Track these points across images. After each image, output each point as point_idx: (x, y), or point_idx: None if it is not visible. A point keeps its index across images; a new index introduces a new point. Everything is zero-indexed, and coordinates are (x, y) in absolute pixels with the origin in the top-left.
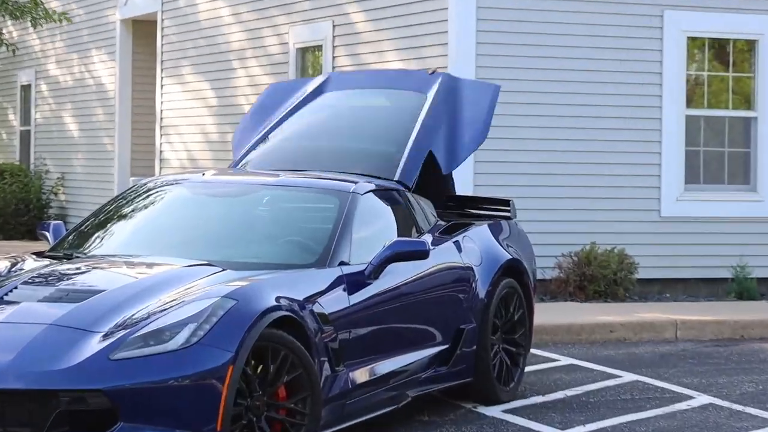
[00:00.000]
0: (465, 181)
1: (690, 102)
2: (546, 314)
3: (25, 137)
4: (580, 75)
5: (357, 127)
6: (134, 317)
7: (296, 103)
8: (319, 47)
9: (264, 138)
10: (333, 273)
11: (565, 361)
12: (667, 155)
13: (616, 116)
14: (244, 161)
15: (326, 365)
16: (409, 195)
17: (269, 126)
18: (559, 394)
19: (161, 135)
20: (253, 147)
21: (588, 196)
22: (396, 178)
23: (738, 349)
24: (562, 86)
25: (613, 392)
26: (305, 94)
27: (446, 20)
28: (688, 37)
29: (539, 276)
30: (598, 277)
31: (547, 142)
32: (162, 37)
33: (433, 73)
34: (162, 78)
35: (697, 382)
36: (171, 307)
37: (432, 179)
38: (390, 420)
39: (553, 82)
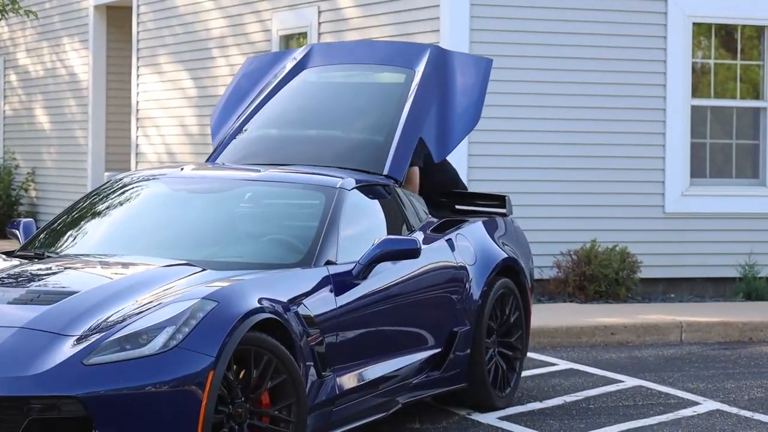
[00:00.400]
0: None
1: (695, 91)
2: (544, 316)
3: None
4: (581, 63)
5: (342, 111)
6: (109, 320)
7: (276, 82)
8: (304, 34)
9: (243, 125)
10: (319, 273)
11: (564, 365)
12: (672, 148)
13: (618, 107)
14: (223, 153)
15: (312, 370)
16: (398, 190)
17: (249, 111)
18: (557, 400)
19: (137, 128)
20: (233, 136)
21: (588, 192)
22: (385, 172)
23: (746, 352)
24: (561, 75)
25: (614, 398)
26: (285, 71)
27: (438, 5)
28: (694, 23)
29: (537, 276)
30: (599, 276)
31: (545, 134)
32: (138, 24)
33: None
34: (138, 67)
35: (703, 387)
36: (148, 309)
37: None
38: (379, 428)
39: (552, 71)
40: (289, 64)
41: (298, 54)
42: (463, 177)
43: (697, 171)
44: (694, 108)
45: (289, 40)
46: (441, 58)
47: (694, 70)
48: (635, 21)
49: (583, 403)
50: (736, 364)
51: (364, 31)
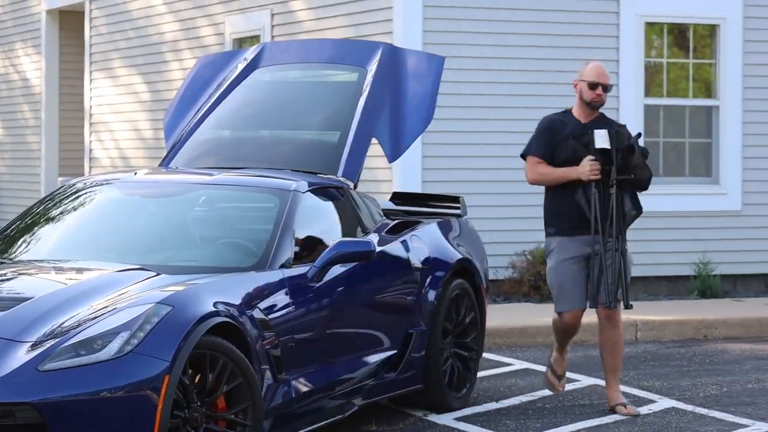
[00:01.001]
0: (413, 177)
1: (648, 90)
2: (499, 316)
3: None
4: (533, 63)
5: (295, 111)
6: (64, 326)
7: (229, 82)
8: (257, 37)
9: (196, 127)
10: (274, 276)
11: (519, 365)
12: None
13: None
14: (177, 156)
15: (268, 373)
16: (352, 192)
17: (201, 112)
18: (513, 400)
19: (91, 132)
20: (186, 138)
21: (542, 191)
22: (339, 174)
23: (701, 350)
24: (514, 75)
25: (570, 397)
26: (237, 71)
27: (391, 7)
28: (646, 23)
29: (492, 276)
30: None
31: (498, 134)
32: (90, 28)
33: None
34: (91, 72)
35: (658, 385)
36: (103, 314)
37: None
38: (336, 430)
39: (505, 71)
40: (240, 64)
41: (250, 54)
42: (417, 178)
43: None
44: (647, 107)
45: (242, 43)
46: (393, 56)
47: (646, 69)
48: (588, 21)
49: (539, 402)
50: (691, 361)
51: (317, 33)
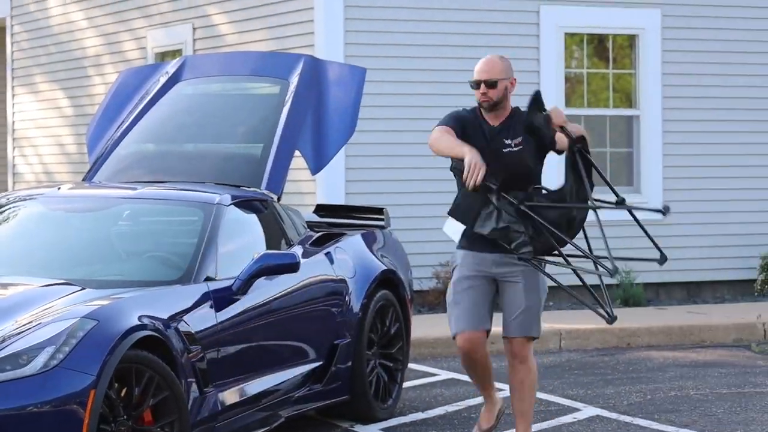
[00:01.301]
0: (336, 189)
1: (569, 101)
2: (424, 327)
3: None
4: (456, 75)
5: (218, 124)
6: None
7: (151, 95)
8: (179, 51)
9: (119, 141)
10: (199, 289)
11: (445, 375)
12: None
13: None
14: (100, 170)
15: (194, 386)
16: (276, 205)
17: (124, 126)
18: (439, 410)
19: (14, 147)
20: (109, 152)
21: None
22: (263, 187)
23: (624, 358)
24: (437, 87)
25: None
26: (159, 85)
27: (312, 21)
28: (566, 33)
29: (416, 287)
30: None
31: (421, 146)
32: (12, 44)
33: None
34: (13, 87)
35: (583, 394)
36: (27, 329)
37: None
38: None
39: (428, 83)
40: (162, 78)
41: (172, 67)
42: (341, 190)
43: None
44: (568, 117)
45: (165, 57)
46: (315, 68)
47: (567, 79)
48: (508, 32)
49: (465, 412)
50: (615, 369)
51: (239, 47)
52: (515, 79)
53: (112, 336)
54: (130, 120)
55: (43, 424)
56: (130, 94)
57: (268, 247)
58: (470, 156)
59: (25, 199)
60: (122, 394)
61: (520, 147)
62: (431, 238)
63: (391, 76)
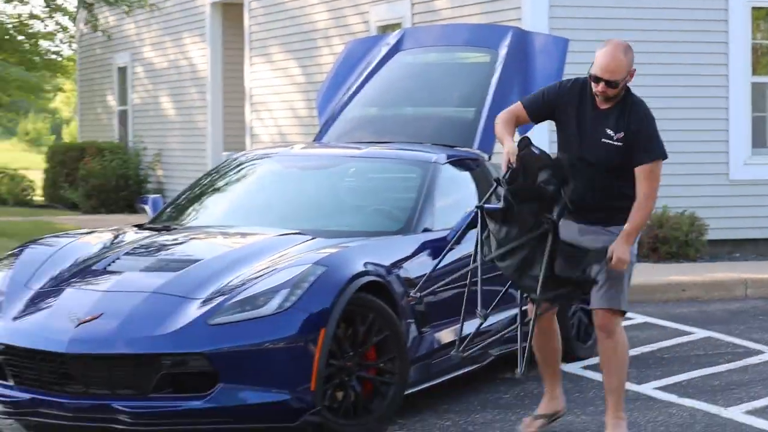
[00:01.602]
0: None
1: (755, 70)
2: None
3: (122, 117)
4: (656, 46)
5: (434, 90)
6: (230, 284)
7: (374, 64)
8: (399, 25)
9: (346, 105)
10: (417, 239)
11: (640, 319)
12: (734, 121)
13: (686, 84)
14: (329, 132)
15: (413, 327)
16: (487, 163)
17: (350, 92)
18: (634, 351)
19: (251, 112)
20: (337, 116)
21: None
22: (475, 147)
23: None
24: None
25: (686, 348)
26: (381, 54)
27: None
28: (753, 7)
29: None
30: (670, 239)
31: None
32: (250, 18)
33: None
34: (251, 58)
35: (767, 338)
36: (265, 274)
37: None
38: (473, 379)
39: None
40: (384, 48)
41: (392, 38)
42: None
43: (757, 141)
44: (754, 84)
45: (386, 30)
46: (522, 39)
47: (753, 50)
48: (701, 6)
49: (658, 353)
50: None
51: (453, 20)
52: (634, 70)
53: (339, 281)
54: (355, 86)
55: (278, 359)
56: (355, 63)
57: (479, 202)
58: (504, 152)
59: (261, 158)
60: (348, 334)
61: (620, 144)
62: None
63: (593, 47)
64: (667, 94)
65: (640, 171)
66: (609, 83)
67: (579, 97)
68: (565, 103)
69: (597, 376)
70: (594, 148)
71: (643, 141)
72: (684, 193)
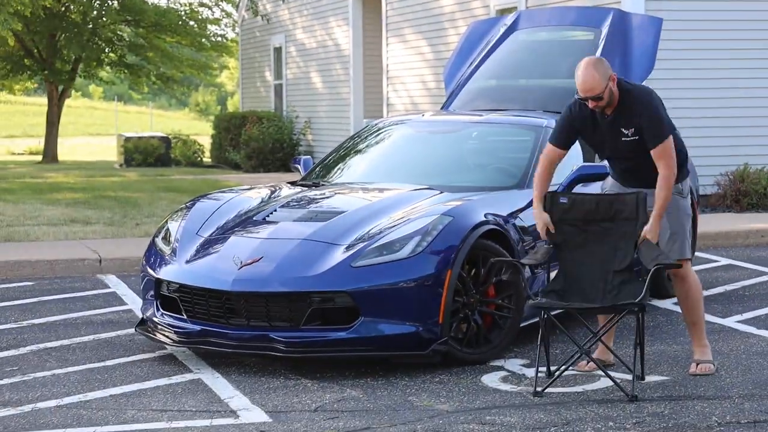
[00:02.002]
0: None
1: None
2: (707, 224)
3: (278, 90)
4: (739, 15)
5: (545, 64)
6: (370, 232)
7: (493, 42)
8: (515, 8)
9: (469, 78)
10: (530, 193)
11: (724, 261)
12: None
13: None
14: (454, 101)
15: (527, 268)
16: None
17: (472, 66)
18: (720, 289)
19: (388, 84)
20: (461, 87)
21: (741, 125)
22: None
23: None
24: (719, 24)
25: (765, 287)
26: (499, 34)
27: None
28: None
29: (701, 192)
30: (751, 192)
31: (707, 81)
32: (386, 4)
33: None
34: (387, 38)
35: None
36: (399, 223)
37: None
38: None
39: (714, 21)
40: (502, 28)
41: (509, 20)
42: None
43: None
44: None
45: (504, 12)
46: (621, 19)
47: None
48: None
49: (740, 291)
50: None
51: (561, 4)
52: (614, 75)
53: (464, 229)
54: (477, 61)
55: (411, 296)
56: (477, 41)
57: (584, 161)
58: (539, 224)
59: (396, 124)
60: (471, 274)
61: (637, 137)
62: (713, 153)
63: (685, 25)
64: (753, 66)
65: (654, 154)
66: (594, 98)
67: (590, 112)
68: (581, 121)
69: None
70: (620, 148)
71: (649, 129)
72: (764, 152)
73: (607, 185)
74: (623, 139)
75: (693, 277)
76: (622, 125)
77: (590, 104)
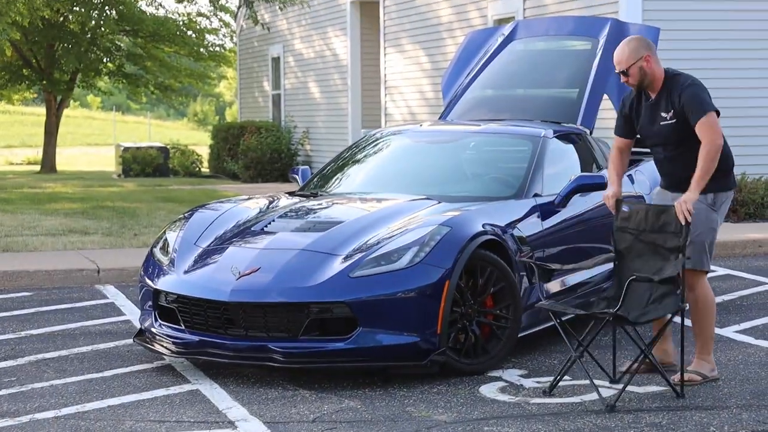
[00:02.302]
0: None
1: None
2: None
3: (276, 100)
4: (737, 24)
5: (542, 73)
6: (368, 242)
7: (491, 51)
8: (512, 18)
9: (466, 88)
10: (528, 203)
11: (721, 271)
12: None
13: (755, 68)
14: (452, 111)
15: (524, 279)
16: (589, 137)
17: (470, 76)
18: (717, 299)
19: (386, 94)
20: (458, 97)
21: (738, 135)
22: (578, 123)
23: None
24: (717, 34)
25: (763, 296)
26: (497, 44)
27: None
28: None
29: None
30: (748, 201)
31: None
32: (384, 14)
33: None
34: (385, 48)
35: None
36: (397, 233)
37: None
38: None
39: (712, 30)
40: (499, 38)
41: (507, 29)
42: None
43: None
44: None
45: (501, 22)
46: (618, 28)
47: None
48: None
49: (738, 300)
50: None
51: (558, 13)
52: (648, 55)
53: (462, 239)
54: (474, 71)
55: (409, 306)
56: (475, 51)
57: (582, 171)
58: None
59: (394, 134)
60: (469, 285)
61: (674, 120)
62: None
63: (684, 35)
64: (751, 76)
65: (697, 130)
66: (622, 73)
67: (636, 98)
68: (630, 108)
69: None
70: (658, 133)
71: (690, 106)
72: (761, 161)
73: (654, 194)
74: (661, 123)
75: (702, 290)
76: (661, 109)
77: (621, 79)
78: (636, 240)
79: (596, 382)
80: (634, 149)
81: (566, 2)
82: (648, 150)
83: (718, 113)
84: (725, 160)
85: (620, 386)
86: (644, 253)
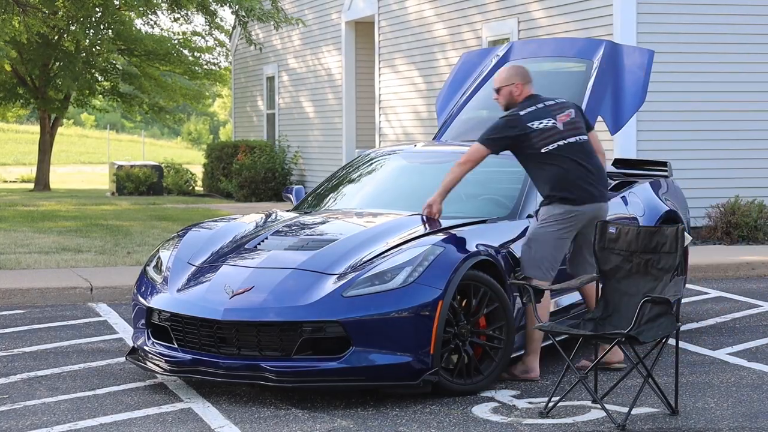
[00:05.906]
0: (630, 146)
1: None
2: (698, 255)
3: (270, 119)
4: (730, 48)
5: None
6: (362, 261)
7: (485, 73)
8: (507, 39)
9: (461, 108)
10: (522, 224)
11: (714, 293)
12: None
13: (756, 90)
14: (446, 132)
15: (518, 299)
16: None
17: (464, 97)
18: (710, 321)
19: (380, 114)
20: (453, 118)
21: (732, 158)
22: None
23: None
24: (711, 57)
25: (756, 319)
26: (492, 65)
27: (611, 15)
28: None
29: (692, 224)
30: (742, 224)
31: (696, 113)
32: (379, 34)
33: None
34: (380, 68)
35: None
36: (391, 253)
37: None
38: (567, 346)
39: (706, 54)
40: (494, 59)
41: (501, 50)
42: (633, 147)
43: None
44: None
45: (495, 44)
46: (613, 51)
47: None
48: None
49: (731, 323)
50: None
51: (553, 35)
52: (520, 83)
53: (455, 260)
54: (469, 92)
55: (402, 326)
56: (469, 72)
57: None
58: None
59: (389, 154)
60: (463, 305)
61: None
62: (704, 185)
63: (678, 58)
64: (745, 99)
65: None
66: (495, 90)
67: None
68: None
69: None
70: None
71: None
72: (754, 184)
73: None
74: None
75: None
76: None
77: (493, 96)
78: (625, 261)
79: (582, 402)
80: (626, 171)
81: (561, 24)
82: (643, 172)
83: (487, 147)
84: (560, 179)
85: (612, 407)
86: (633, 274)
